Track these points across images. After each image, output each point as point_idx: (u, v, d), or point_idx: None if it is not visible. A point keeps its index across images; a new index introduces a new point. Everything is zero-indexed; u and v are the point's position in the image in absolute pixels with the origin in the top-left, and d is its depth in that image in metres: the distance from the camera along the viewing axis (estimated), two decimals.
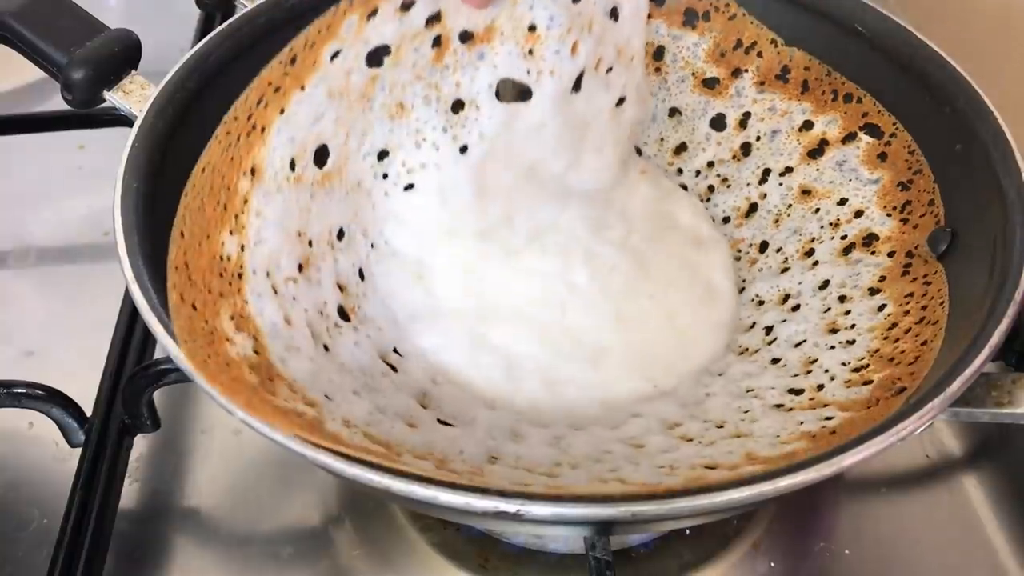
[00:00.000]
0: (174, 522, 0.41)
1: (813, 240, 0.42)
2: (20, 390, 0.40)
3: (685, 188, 0.47)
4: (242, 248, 0.35)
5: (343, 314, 0.38)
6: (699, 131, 0.47)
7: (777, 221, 0.44)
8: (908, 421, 0.29)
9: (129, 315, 0.45)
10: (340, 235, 0.40)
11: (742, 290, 0.43)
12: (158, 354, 0.43)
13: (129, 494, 0.41)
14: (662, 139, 0.48)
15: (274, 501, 0.41)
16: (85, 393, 0.42)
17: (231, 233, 0.34)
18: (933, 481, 0.42)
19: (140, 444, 0.43)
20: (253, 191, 0.36)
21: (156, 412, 0.42)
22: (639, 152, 0.48)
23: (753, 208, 0.45)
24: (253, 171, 0.36)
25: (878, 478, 0.42)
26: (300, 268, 0.37)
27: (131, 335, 0.44)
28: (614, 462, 0.33)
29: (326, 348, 0.36)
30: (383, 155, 0.41)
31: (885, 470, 0.42)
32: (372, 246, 0.41)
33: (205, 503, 0.41)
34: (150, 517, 0.41)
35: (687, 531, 0.40)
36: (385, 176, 0.42)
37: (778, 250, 0.43)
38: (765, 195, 0.45)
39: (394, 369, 0.37)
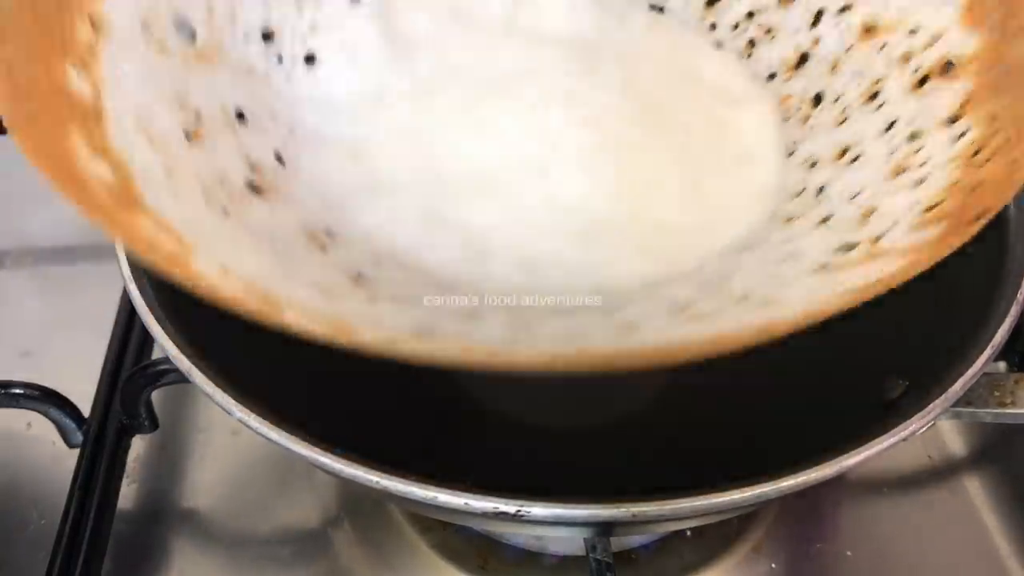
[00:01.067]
0: (172, 523, 0.41)
1: (879, 81, 0.35)
2: (18, 390, 0.40)
3: (720, 47, 0.40)
4: (97, 92, 0.29)
5: (255, 189, 0.32)
6: None
7: (834, 68, 0.37)
8: (910, 421, 0.29)
9: (127, 315, 0.44)
10: (240, 116, 0.33)
11: (791, 154, 0.37)
12: (156, 354, 0.43)
13: (127, 495, 0.41)
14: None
15: (273, 502, 0.41)
16: (83, 393, 0.41)
17: (76, 69, 0.28)
18: (935, 482, 0.42)
19: (138, 445, 0.42)
20: (101, 43, 0.29)
21: (154, 412, 0.42)
22: (659, 10, 0.41)
23: (804, 58, 0.38)
24: (93, 23, 0.30)
25: (880, 479, 0.42)
26: (188, 136, 0.31)
27: (129, 335, 0.44)
28: (586, 339, 0.28)
29: (225, 212, 0.30)
30: (268, 37, 0.36)
31: (887, 471, 0.42)
32: (290, 131, 0.35)
33: (203, 504, 0.41)
34: (148, 518, 0.41)
35: (688, 532, 0.40)
36: (280, 59, 0.35)
37: (836, 100, 0.36)
38: (818, 40, 0.37)
39: (323, 249, 0.31)
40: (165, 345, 0.30)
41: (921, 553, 0.40)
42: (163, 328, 0.31)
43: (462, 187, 0.33)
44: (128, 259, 0.32)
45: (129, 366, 0.43)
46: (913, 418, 0.29)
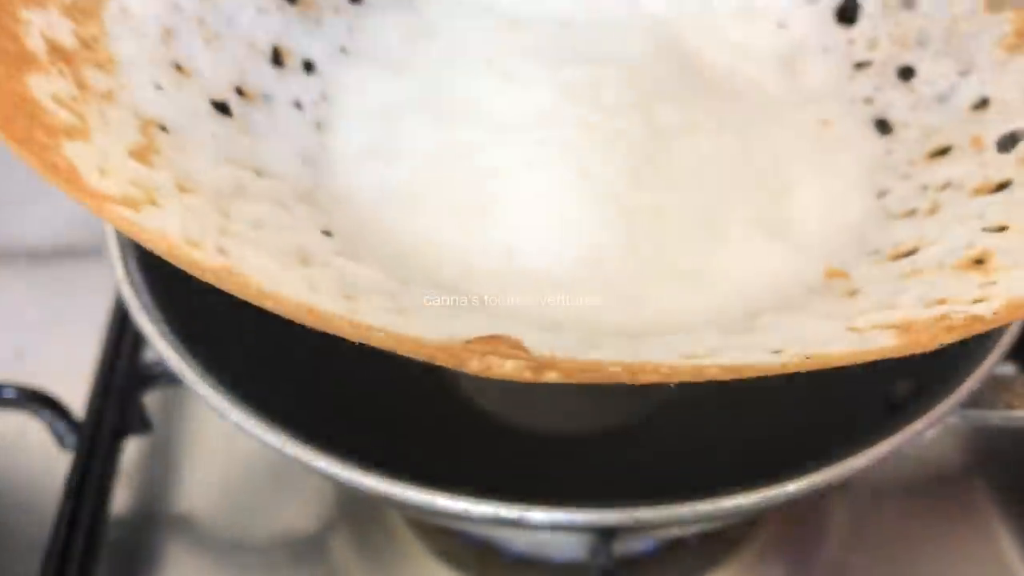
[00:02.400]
0: (167, 527, 0.40)
1: None
2: (9, 393, 0.40)
3: (882, 196, 0.32)
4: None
5: (277, 60, 0.32)
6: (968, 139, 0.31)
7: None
8: (918, 423, 0.28)
9: (120, 316, 0.44)
10: None
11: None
12: (150, 356, 0.43)
13: (121, 498, 0.40)
14: (928, 135, 0.32)
15: (269, 506, 0.41)
16: (76, 395, 0.41)
17: None
18: (941, 485, 0.42)
19: (131, 448, 0.42)
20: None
21: (147, 415, 0.41)
22: (885, 130, 0.33)
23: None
24: None
25: (885, 483, 0.41)
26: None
27: (123, 336, 0.43)
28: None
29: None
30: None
31: (892, 475, 0.42)
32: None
33: (198, 508, 0.41)
34: (142, 522, 0.40)
35: (691, 538, 0.39)
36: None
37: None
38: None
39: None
40: (159, 346, 0.30)
41: (928, 558, 0.39)
42: (157, 329, 0.30)
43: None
44: (122, 259, 0.32)
45: (123, 368, 0.42)
46: (920, 419, 0.29)
